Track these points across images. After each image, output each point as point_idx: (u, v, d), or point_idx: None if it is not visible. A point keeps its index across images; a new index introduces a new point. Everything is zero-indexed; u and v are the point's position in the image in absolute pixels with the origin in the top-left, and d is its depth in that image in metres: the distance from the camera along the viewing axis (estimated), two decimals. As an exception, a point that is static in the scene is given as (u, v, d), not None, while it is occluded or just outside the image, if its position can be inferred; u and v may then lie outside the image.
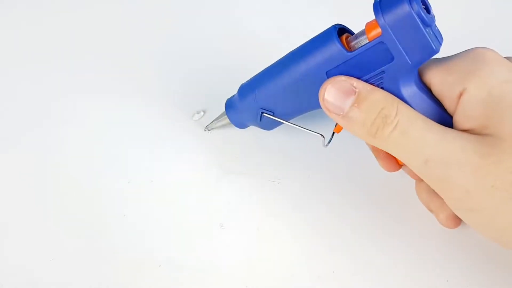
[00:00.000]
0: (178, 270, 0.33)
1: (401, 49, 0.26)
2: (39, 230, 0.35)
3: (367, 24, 0.27)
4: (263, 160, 0.38)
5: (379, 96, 0.28)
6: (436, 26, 0.27)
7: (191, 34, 0.47)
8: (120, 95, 0.42)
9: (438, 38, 0.27)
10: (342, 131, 0.32)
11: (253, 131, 0.39)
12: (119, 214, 0.35)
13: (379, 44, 0.27)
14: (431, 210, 0.33)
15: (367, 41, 0.27)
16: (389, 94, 0.28)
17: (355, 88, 0.28)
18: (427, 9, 0.27)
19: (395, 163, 0.33)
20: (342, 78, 0.28)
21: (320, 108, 0.30)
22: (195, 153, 0.38)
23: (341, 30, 0.29)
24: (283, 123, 0.34)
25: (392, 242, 0.33)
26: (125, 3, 0.50)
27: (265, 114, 0.34)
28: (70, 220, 0.35)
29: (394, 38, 0.26)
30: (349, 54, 0.28)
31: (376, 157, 0.33)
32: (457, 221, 0.32)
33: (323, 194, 0.36)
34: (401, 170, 0.34)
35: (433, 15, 0.27)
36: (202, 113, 0.41)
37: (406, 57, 0.27)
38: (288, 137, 0.39)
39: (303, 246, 0.33)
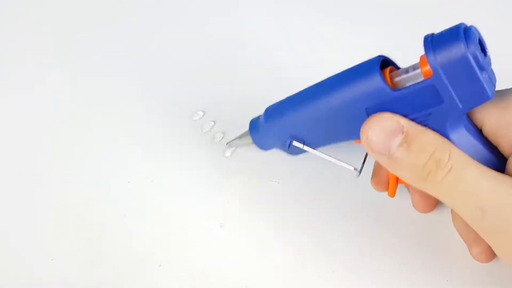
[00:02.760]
0: (178, 270, 0.33)
1: (453, 93, 0.24)
2: (39, 230, 0.35)
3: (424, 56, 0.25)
4: (263, 160, 0.38)
5: (430, 137, 0.26)
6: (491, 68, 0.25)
7: (191, 34, 0.47)
8: (120, 95, 0.42)
9: (493, 81, 0.25)
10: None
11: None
12: (119, 214, 0.35)
13: (428, 85, 0.24)
14: (464, 241, 0.31)
15: (414, 82, 0.25)
16: (440, 135, 0.26)
17: (403, 126, 0.26)
18: (484, 51, 0.24)
19: (430, 204, 0.32)
20: (388, 115, 0.26)
21: (353, 139, 0.29)
22: (195, 153, 0.38)
23: (384, 62, 0.27)
24: (312, 152, 0.32)
25: (392, 242, 0.33)
26: (125, 3, 0.50)
27: (294, 143, 0.32)
28: (70, 220, 0.35)
29: (445, 81, 0.24)
30: (393, 93, 0.25)
31: (411, 196, 0.33)
32: (490, 256, 0.30)
33: (323, 194, 0.36)
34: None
35: (489, 57, 0.25)
36: (201, 113, 0.41)
37: (458, 101, 0.24)
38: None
39: (303, 246, 0.33)
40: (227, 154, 0.38)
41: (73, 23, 0.48)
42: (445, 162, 0.25)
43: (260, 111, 0.40)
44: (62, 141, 0.40)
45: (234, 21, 0.48)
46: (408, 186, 0.32)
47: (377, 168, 0.33)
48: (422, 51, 0.25)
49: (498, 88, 0.26)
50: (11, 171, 0.38)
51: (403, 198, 0.35)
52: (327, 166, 0.37)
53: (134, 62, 0.45)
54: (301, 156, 0.34)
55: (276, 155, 0.38)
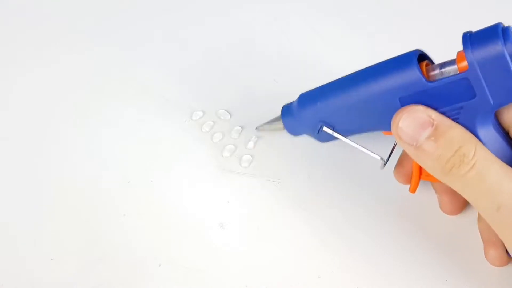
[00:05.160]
0: (178, 270, 0.33)
1: (486, 89, 0.25)
2: (39, 230, 0.35)
3: (461, 53, 0.26)
4: (263, 160, 0.38)
5: (458, 133, 0.27)
6: None
7: (190, 34, 0.47)
8: (120, 95, 0.42)
9: None
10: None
11: (254, 131, 0.39)
12: (119, 214, 0.35)
13: (462, 79, 0.26)
14: (483, 242, 0.32)
15: (449, 74, 0.26)
16: (468, 132, 0.27)
17: (434, 120, 0.27)
18: None
19: (458, 207, 0.33)
20: (420, 108, 0.27)
21: (383, 129, 0.30)
22: (195, 153, 0.38)
23: (421, 57, 0.28)
24: (341, 139, 0.33)
25: (392, 242, 0.33)
26: (125, 2, 0.50)
27: (325, 128, 0.33)
28: (70, 220, 0.35)
29: (480, 76, 0.25)
30: (429, 84, 0.27)
31: (439, 196, 0.33)
32: (505, 261, 0.31)
33: (323, 194, 0.36)
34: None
35: None
36: (201, 113, 0.41)
37: (490, 97, 0.25)
38: (287, 137, 0.39)
39: (303, 246, 0.33)
40: (227, 154, 0.38)
41: (72, 22, 0.48)
42: (469, 158, 0.26)
43: (260, 111, 0.40)
44: (62, 141, 0.39)
45: (234, 21, 0.48)
46: (436, 188, 0.33)
47: (403, 159, 0.33)
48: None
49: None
50: (11, 172, 0.38)
51: (403, 199, 0.35)
52: (328, 167, 0.37)
53: (133, 61, 0.45)
54: (328, 143, 0.35)
55: (276, 155, 0.38)
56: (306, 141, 0.38)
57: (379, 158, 0.32)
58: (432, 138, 0.27)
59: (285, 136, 0.39)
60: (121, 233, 0.34)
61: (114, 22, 0.48)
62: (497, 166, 0.26)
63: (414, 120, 0.27)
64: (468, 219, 0.33)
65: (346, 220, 0.34)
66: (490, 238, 0.31)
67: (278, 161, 0.38)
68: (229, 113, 0.40)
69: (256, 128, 0.38)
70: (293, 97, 0.35)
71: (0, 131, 0.41)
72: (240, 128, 0.39)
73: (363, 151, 0.32)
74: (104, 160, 0.38)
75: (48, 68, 0.44)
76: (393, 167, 0.34)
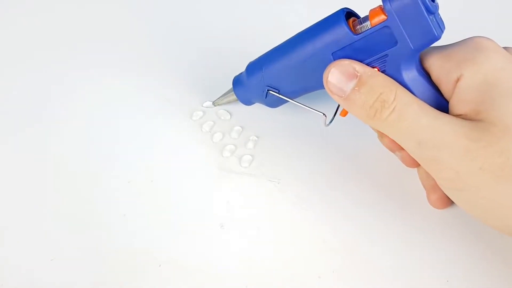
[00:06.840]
0: (178, 270, 0.33)
1: (405, 34, 0.28)
2: (39, 230, 0.35)
3: (373, 9, 0.29)
4: (263, 160, 0.38)
5: (379, 81, 0.29)
6: (439, 14, 0.29)
7: (190, 34, 0.47)
8: (120, 94, 0.42)
9: (441, 26, 0.28)
10: (347, 115, 0.33)
11: (254, 131, 0.39)
12: (119, 214, 0.35)
13: (384, 28, 0.28)
14: (424, 188, 0.34)
15: (370, 26, 0.29)
16: (389, 79, 0.29)
17: (357, 72, 0.29)
18: None
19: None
20: (346, 61, 0.30)
21: (322, 87, 0.31)
22: (195, 153, 0.38)
23: (348, 14, 0.30)
24: (287, 101, 0.35)
25: (392, 242, 0.33)
26: (125, 2, 0.50)
27: (270, 92, 0.35)
28: (70, 220, 0.35)
29: (398, 23, 0.27)
30: (355, 36, 0.29)
31: (379, 137, 0.35)
32: (445, 203, 0.33)
33: (323, 194, 0.36)
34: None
35: (437, 3, 0.28)
36: (201, 113, 0.41)
37: (409, 42, 0.28)
38: (288, 137, 0.39)
39: (303, 246, 0.33)
40: (227, 154, 0.38)
41: (72, 22, 0.48)
42: (389, 102, 0.28)
43: (260, 111, 0.40)
44: (61, 141, 0.39)
45: (235, 21, 0.48)
46: (375, 130, 0.35)
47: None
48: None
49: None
50: (10, 172, 0.38)
51: (404, 199, 0.35)
52: (328, 167, 0.37)
53: (133, 61, 0.45)
54: (279, 108, 0.38)
55: (276, 155, 0.38)
56: (306, 141, 0.38)
57: (322, 114, 0.34)
58: (356, 88, 0.29)
59: (285, 136, 0.39)
60: (121, 233, 0.34)
61: (114, 22, 0.48)
62: (416, 106, 0.28)
63: (340, 73, 0.30)
64: (470, 222, 0.33)
65: (346, 220, 0.34)
66: (429, 183, 0.33)
67: (278, 161, 0.38)
68: (229, 113, 0.40)
69: (213, 103, 0.40)
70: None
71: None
72: (240, 128, 0.39)
73: (306, 109, 0.34)
74: (104, 160, 0.38)
75: (49, 69, 0.44)
76: (391, 172, 0.35)
